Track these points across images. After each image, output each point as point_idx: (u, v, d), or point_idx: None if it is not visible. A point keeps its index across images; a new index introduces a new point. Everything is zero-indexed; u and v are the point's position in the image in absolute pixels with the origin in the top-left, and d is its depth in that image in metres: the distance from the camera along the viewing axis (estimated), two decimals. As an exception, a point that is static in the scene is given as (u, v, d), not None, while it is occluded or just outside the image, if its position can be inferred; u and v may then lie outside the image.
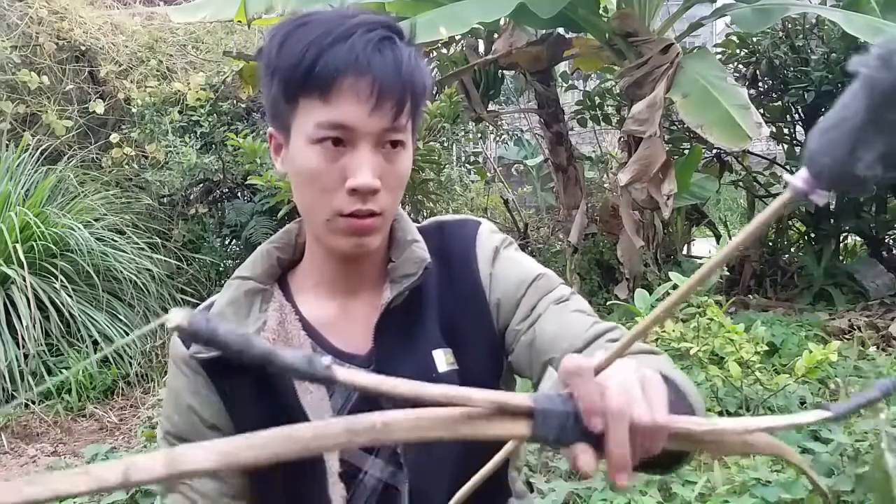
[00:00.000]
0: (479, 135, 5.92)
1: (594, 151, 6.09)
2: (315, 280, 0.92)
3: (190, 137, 4.50)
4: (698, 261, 4.80)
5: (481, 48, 5.18)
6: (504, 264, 0.93)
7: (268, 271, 0.91)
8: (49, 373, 3.76)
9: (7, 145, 4.46)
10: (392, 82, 0.80)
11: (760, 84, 4.84)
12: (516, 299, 0.90)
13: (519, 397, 0.51)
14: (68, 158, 4.67)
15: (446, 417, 0.49)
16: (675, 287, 2.73)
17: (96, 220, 4.31)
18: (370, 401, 0.86)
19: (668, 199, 3.80)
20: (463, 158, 6.11)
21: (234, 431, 0.87)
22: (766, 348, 2.76)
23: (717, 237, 5.16)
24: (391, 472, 0.87)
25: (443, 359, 0.88)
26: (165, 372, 0.99)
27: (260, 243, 0.96)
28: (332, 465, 0.85)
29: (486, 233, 0.95)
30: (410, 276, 0.88)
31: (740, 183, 5.29)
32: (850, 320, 3.96)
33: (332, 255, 0.89)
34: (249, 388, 0.86)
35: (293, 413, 0.84)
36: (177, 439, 0.90)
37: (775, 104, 4.81)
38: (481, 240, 0.94)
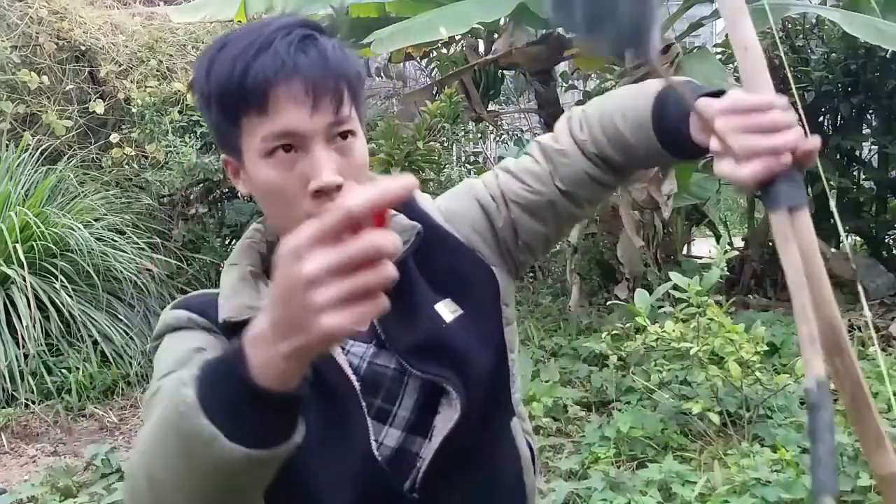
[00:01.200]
0: (479, 135, 5.92)
1: (594, 151, 6.08)
2: None
3: (190, 137, 4.51)
4: (698, 261, 4.80)
5: (481, 48, 5.18)
6: (447, 202, 0.99)
7: (255, 261, 0.93)
8: (49, 373, 3.76)
9: (7, 145, 4.46)
10: (323, 78, 0.81)
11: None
12: (481, 212, 0.96)
13: None
14: (68, 158, 4.66)
15: None
16: (675, 287, 2.73)
17: (96, 220, 4.31)
18: (382, 351, 0.89)
19: (668, 199, 3.80)
20: (463, 158, 6.11)
21: None
22: (766, 348, 2.76)
23: (717, 237, 5.16)
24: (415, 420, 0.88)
25: (446, 309, 0.91)
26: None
27: None
28: (360, 392, 0.87)
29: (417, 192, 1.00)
30: (402, 245, 0.89)
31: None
32: (850, 320, 3.96)
33: None
34: None
35: (328, 373, 0.85)
36: (187, 363, 0.83)
37: (775, 104, 4.80)
38: (417, 195, 0.98)
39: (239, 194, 4.74)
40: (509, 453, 0.97)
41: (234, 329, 0.85)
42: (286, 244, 0.54)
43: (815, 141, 0.67)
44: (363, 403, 0.86)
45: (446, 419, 0.87)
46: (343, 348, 0.89)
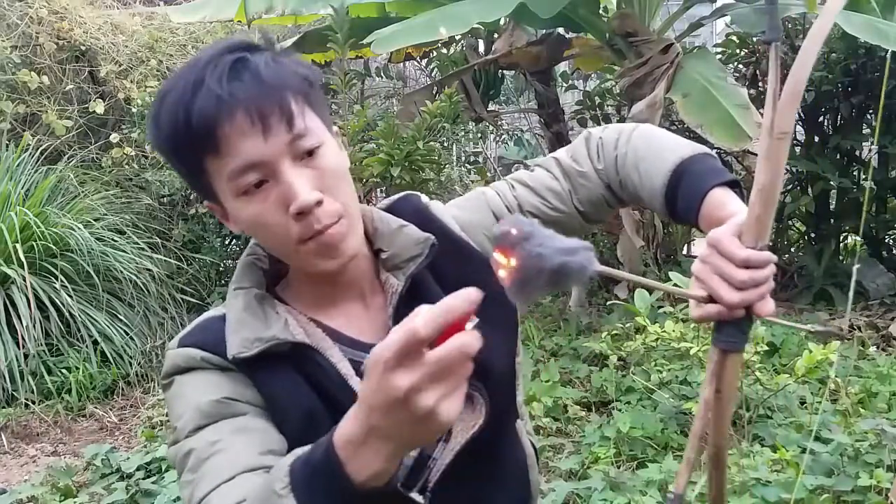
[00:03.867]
0: (479, 135, 5.91)
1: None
2: (309, 298, 0.92)
3: (190, 137, 4.50)
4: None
5: (481, 48, 5.18)
6: (460, 211, 0.98)
7: (259, 281, 0.91)
8: (49, 373, 3.76)
9: (7, 145, 4.46)
10: (263, 97, 0.78)
11: (760, 84, 4.84)
12: (495, 222, 0.96)
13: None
14: (68, 158, 4.66)
15: None
16: (675, 286, 2.72)
17: (96, 220, 4.31)
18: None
19: (668, 199, 3.80)
20: (463, 158, 6.11)
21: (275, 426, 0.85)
22: (766, 348, 2.76)
23: (717, 237, 5.14)
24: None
25: None
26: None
27: None
28: None
29: (426, 198, 0.99)
30: (417, 258, 0.89)
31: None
32: (850, 320, 3.96)
33: (319, 276, 0.89)
34: (299, 384, 0.85)
35: (345, 399, 0.83)
36: (214, 420, 0.82)
37: (775, 104, 4.79)
38: (432, 203, 0.98)
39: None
40: (516, 452, 0.99)
41: (245, 363, 0.84)
42: (372, 359, 0.59)
43: (770, 307, 0.72)
44: None
45: (467, 423, 0.88)
46: (360, 363, 0.88)
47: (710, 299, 0.73)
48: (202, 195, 0.87)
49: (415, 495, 0.74)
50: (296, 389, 0.85)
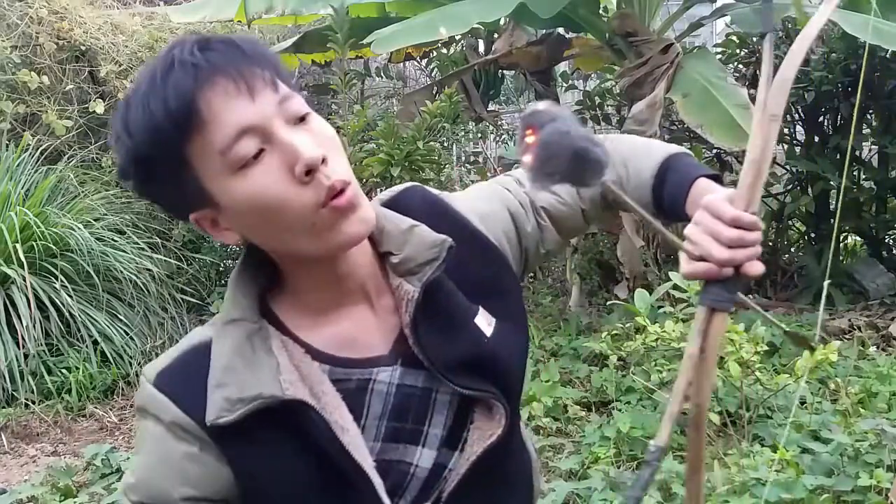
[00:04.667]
0: (479, 135, 5.91)
1: (594, 151, 6.07)
2: (311, 304, 0.85)
3: (190, 137, 4.50)
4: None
5: (481, 48, 5.18)
6: (479, 204, 0.95)
7: (252, 307, 0.83)
8: (49, 373, 3.75)
9: (7, 145, 4.45)
10: (242, 63, 0.73)
11: (760, 84, 4.84)
12: (509, 218, 0.95)
13: None
14: (68, 158, 4.66)
15: None
16: (675, 287, 2.73)
17: (96, 220, 4.31)
18: (409, 370, 0.85)
19: (668, 199, 3.79)
20: (463, 158, 6.11)
21: (242, 499, 0.82)
22: (766, 348, 2.76)
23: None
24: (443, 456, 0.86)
25: (484, 322, 0.87)
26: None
27: None
28: (375, 480, 0.81)
29: (434, 190, 0.96)
30: (433, 262, 0.82)
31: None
32: (850, 320, 3.96)
33: (329, 273, 0.82)
34: (286, 444, 0.80)
35: (337, 458, 0.80)
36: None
37: (775, 104, 4.79)
38: (444, 194, 0.95)
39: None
40: (524, 455, 0.99)
41: (223, 428, 0.78)
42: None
43: (758, 268, 0.74)
44: (381, 496, 0.82)
45: (485, 432, 0.85)
46: (370, 379, 0.83)
47: (701, 259, 0.75)
48: (190, 205, 0.79)
49: None
50: (276, 452, 0.80)
